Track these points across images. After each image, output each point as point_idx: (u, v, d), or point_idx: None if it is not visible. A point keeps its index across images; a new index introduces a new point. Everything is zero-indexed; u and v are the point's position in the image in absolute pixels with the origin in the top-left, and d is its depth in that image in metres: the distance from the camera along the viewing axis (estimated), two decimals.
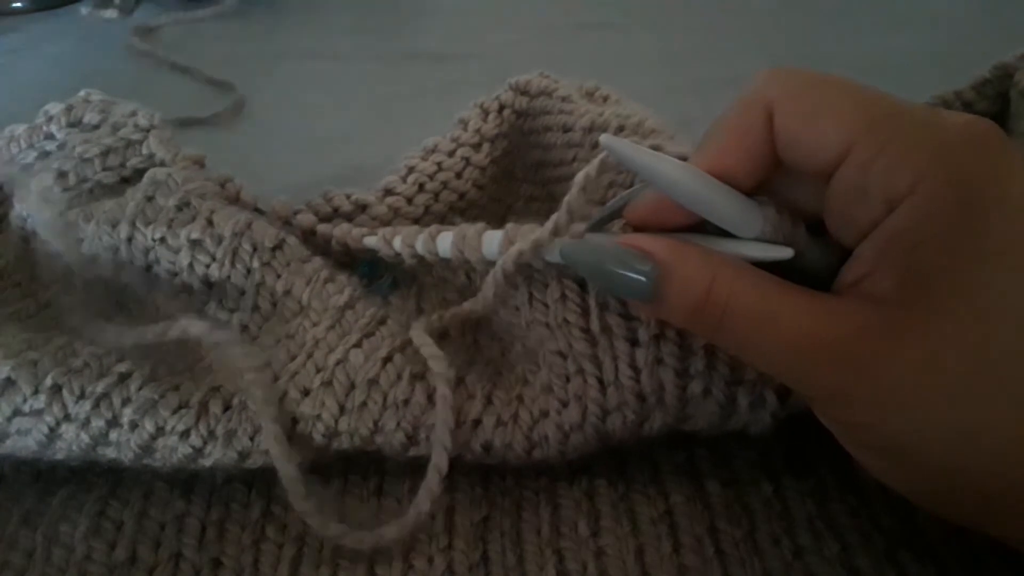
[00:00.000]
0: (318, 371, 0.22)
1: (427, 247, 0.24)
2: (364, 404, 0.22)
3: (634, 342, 0.21)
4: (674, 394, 0.21)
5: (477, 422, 0.22)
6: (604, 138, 0.18)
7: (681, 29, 0.52)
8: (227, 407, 0.22)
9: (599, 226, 0.21)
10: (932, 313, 0.16)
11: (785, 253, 0.19)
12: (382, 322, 0.24)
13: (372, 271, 0.27)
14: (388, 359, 0.22)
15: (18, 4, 0.59)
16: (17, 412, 0.21)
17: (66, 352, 0.22)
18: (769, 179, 0.19)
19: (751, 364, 0.20)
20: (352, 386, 0.22)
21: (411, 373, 0.22)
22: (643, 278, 0.19)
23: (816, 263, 0.19)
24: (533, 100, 0.31)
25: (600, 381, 0.21)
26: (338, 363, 0.22)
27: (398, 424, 0.21)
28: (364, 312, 0.24)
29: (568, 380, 0.21)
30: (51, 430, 0.21)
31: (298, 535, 0.22)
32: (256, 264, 0.25)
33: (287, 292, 0.25)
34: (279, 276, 0.25)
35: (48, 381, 0.21)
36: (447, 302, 0.26)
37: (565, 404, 0.21)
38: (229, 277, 0.25)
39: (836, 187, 0.18)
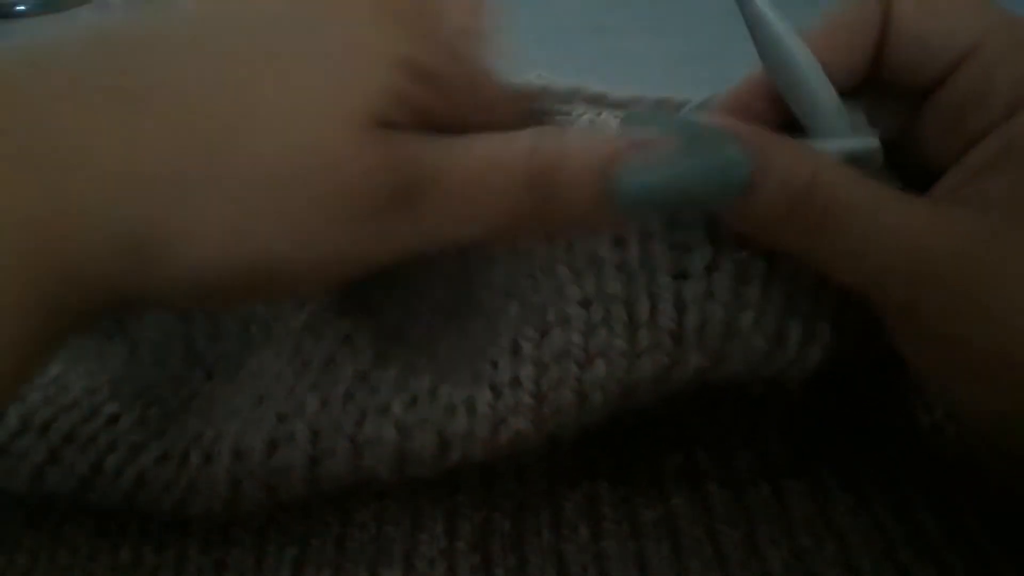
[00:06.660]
0: (279, 420, 0.20)
1: None
2: (333, 451, 0.20)
3: (682, 275, 0.19)
4: (719, 330, 0.19)
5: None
6: None
7: (680, 31, 0.52)
8: (207, 457, 0.20)
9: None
10: None
11: (872, 142, 0.17)
12: (347, 340, 0.21)
13: None
14: (349, 396, 0.20)
15: (21, 8, 0.59)
16: (3, 450, 0.21)
17: (58, 386, 0.22)
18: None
19: (840, 271, 0.18)
20: (316, 435, 0.20)
21: (377, 406, 0.20)
22: (739, 165, 0.16)
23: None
24: (531, 102, 0.31)
25: (629, 325, 0.19)
26: (297, 410, 0.20)
27: (377, 460, 0.20)
28: (326, 333, 0.21)
29: (591, 333, 0.19)
30: (37, 471, 0.21)
31: (301, 536, 0.22)
32: None
33: (252, 315, 0.23)
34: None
35: (36, 420, 0.21)
36: None
37: (586, 363, 0.19)
38: None
39: (950, 90, 0.17)
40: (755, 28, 0.18)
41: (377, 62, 0.16)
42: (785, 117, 0.19)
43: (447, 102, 0.17)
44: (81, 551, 0.22)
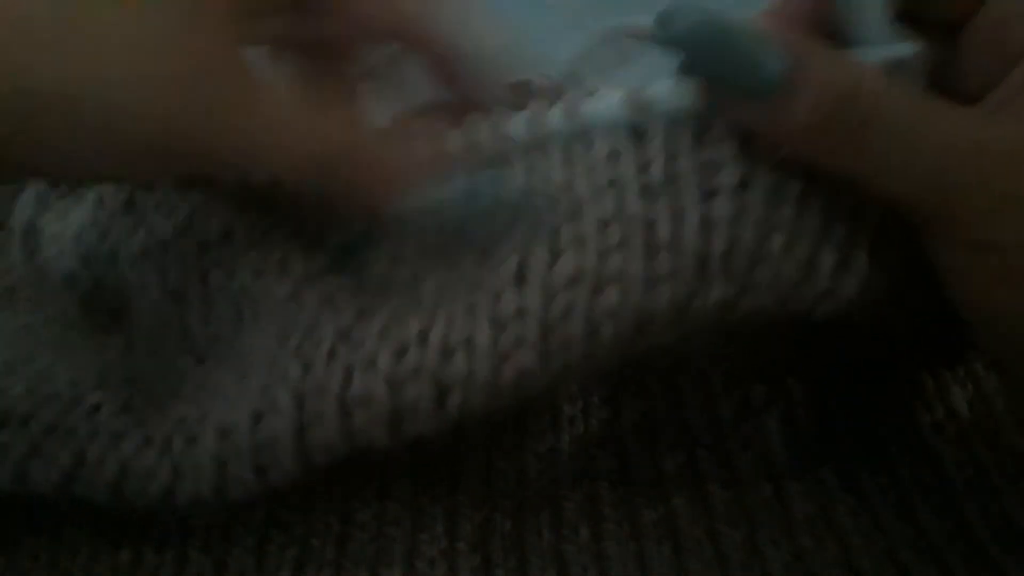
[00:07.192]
0: (262, 391, 0.20)
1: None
2: (321, 415, 0.19)
3: (711, 192, 0.18)
4: (746, 255, 0.17)
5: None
6: None
7: None
8: (191, 439, 0.20)
9: None
10: None
11: (914, 48, 0.17)
12: (329, 301, 0.20)
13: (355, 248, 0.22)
14: (332, 355, 0.19)
15: None
16: None
17: (43, 377, 0.21)
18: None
19: (880, 181, 0.17)
20: (301, 400, 0.19)
21: (363, 361, 0.19)
22: (773, 62, 0.16)
23: None
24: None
25: (648, 247, 0.18)
26: (280, 378, 0.20)
27: (369, 420, 0.19)
28: (309, 298, 0.21)
29: (608, 255, 0.18)
30: (20, 465, 0.20)
31: (301, 536, 0.22)
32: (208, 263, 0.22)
33: (243, 293, 0.22)
34: (232, 273, 0.22)
35: (18, 411, 0.20)
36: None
37: (600, 289, 0.18)
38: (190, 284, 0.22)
39: (989, 10, 0.17)
40: None
41: None
42: (824, 32, 0.18)
43: None
44: (81, 552, 0.22)
